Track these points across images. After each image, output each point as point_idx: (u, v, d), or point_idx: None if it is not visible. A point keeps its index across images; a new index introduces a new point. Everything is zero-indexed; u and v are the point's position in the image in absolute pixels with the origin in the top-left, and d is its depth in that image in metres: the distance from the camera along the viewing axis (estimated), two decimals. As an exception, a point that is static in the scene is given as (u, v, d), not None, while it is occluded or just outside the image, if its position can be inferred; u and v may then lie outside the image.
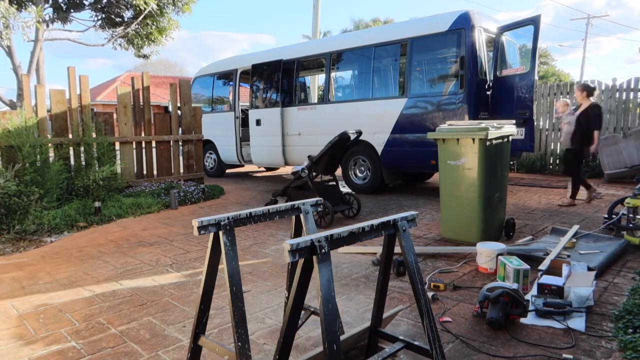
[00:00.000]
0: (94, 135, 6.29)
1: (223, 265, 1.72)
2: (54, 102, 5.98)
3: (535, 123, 6.26)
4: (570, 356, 2.08)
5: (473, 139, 3.84)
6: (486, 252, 3.26)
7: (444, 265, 3.44)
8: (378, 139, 6.67)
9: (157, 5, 11.29)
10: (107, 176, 6.03)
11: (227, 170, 10.18)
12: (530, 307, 2.50)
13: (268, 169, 11.16)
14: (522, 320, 2.44)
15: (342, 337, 1.89)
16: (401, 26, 7.06)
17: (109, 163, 6.09)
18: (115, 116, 6.79)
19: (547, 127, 9.26)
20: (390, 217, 1.71)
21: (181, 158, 7.51)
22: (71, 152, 6.08)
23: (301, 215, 2.04)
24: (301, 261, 1.42)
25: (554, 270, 3.07)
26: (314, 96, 11.43)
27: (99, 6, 11.74)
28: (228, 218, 1.75)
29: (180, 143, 7.44)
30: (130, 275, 3.37)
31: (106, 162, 6.06)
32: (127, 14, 11.90)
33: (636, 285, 2.79)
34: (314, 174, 5.14)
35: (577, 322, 2.40)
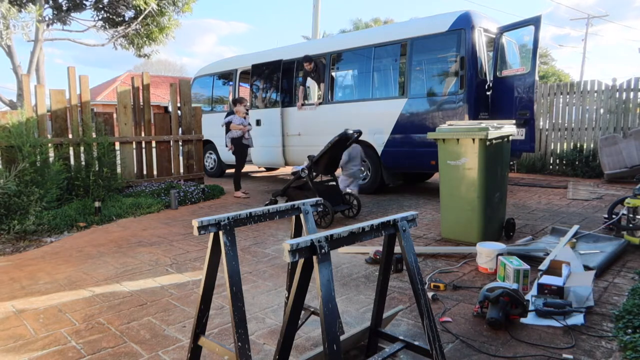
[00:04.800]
0: (94, 135, 6.29)
1: (223, 265, 1.71)
2: (54, 102, 5.98)
3: (535, 123, 6.27)
4: (571, 356, 2.08)
5: (473, 139, 3.84)
6: (486, 252, 3.26)
7: (444, 265, 3.44)
8: (378, 139, 6.67)
9: (158, 5, 11.29)
10: (107, 176, 6.03)
11: (227, 171, 10.17)
12: (530, 307, 2.50)
13: (268, 169, 11.15)
14: (522, 320, 2.44)
15: (342, 337, 1.89)
16: (401, 26, 7.06)
17: (109, 163, 6.08)
18: (115, 116, 6.79)
19: (547, 127, 9.27)
20: (390, 217, 1.70)
21: (181, 158, 7.51)
22: (71, 152, 6.09)
23: (301, 215, 2.04)
24: (301, 261, 1.42)
25: (554, 270, 3.07)
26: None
27: (100, 6, 11.75)
28: (228, 218, 1.75)
29: (180, 143, 7.44)
30: (130, 276, 3.37)
31: (106, 162, 6.06)
32: (128, 14, 11.91)
33: (636, 286, 2.79)
34: (314, 174, 5.14)
35: (576, 319, 2.40)
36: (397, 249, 3.18)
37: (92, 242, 4.42)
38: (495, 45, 6.17)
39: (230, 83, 9.41)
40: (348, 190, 5.91)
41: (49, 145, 5.71)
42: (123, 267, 3.57)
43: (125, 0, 11.29)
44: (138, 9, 11.10)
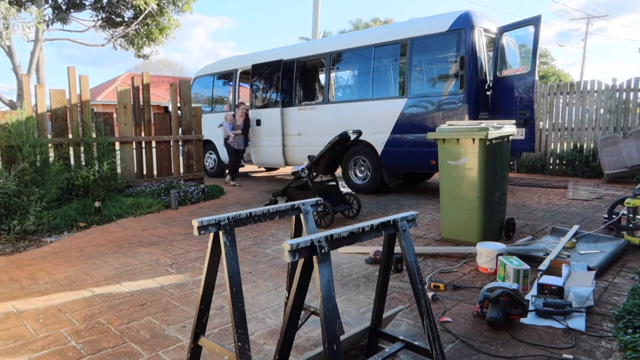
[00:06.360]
0: (94, 135, 6.29)
1: (223, 265, 1.71)
2: (54, 102, 5.98)
3: (535, 123, 6.27)
4: (571, 356, 2.08)
5: (473, 139, 3.84)
6: (486, 252, 3.26)
7: (444, 265, 3.43)
8: (378, 139, 6.66)
9: (157, 5, 11.29)
10: (107, 176, 6.03)
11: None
12: (530, 307, 2.50)
13: (268, 169, 11.15)
14: (522, 320, 2.44)
15: (342, 337, 1.89)
16: (401, 26, 7.06)
17: (109, 163, 6.09)
18: (115, 116, 6.79)
19: (547, 127, 9.27)
20: (390, 217, 1.70)
21: (181, 158, 7.51)
22: (71, 152, 6.09)
23: (301, 215, 2.04)
24: (301, 261, 1.42)
25: (554, 270, 3.07)
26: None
27: (99, 6, 11.75)
28: (228, 218, 1.75)
29: (180, 143, 7.44)
30: (130, 276, 3.37)
31: (106, 162, 6.06)
32: (128, 14, 11.92)
33: (636, 285, 2.79)
34: (314, 174, 5.14)
35: (578, 322, 2.39)
36: (397, 249, 3.17)
37: (92, 242, 4.42)
38: (495, 45, 6.16)
39: (231, 83, 9.41)
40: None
41: (49, 145, 5.71)
42: (123, 267, 3.57)
43: (125, 0, 11.29)
44: (138, 9, 11.10)
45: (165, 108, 10.49)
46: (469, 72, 5.84)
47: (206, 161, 9.83)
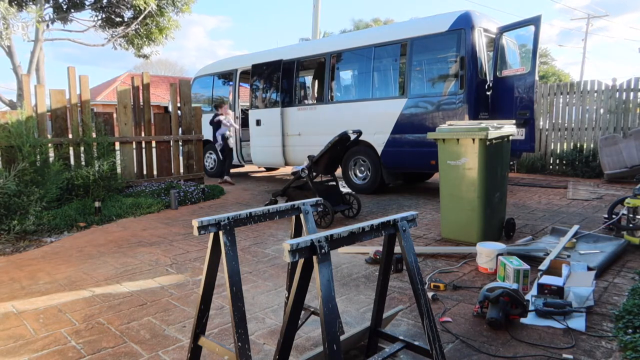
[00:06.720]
0: (94, 135, 6.29)
1: (223, 265, 1.71)
2: (54, 102, 5.98)
3: (535, 123, 6.27)
4: (571, 356, 2.08)
5: (473, 139, 3.84)
6: (486, 252, 3.26)
7: (444, 265, 3.43)
8: (378, 139, 6.67)
9: (157, 5, 11.30)
10: (107, 176, 6.03)
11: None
12: (530, 307, 2.50)
13: (268, 169, 11.15)
14: (522, 320, 2.44)
15: (342, 337, 1.89)
16: (401, 26, 7.06)
17: (109, 163, 6.09)
18: (115, 116, 6.79)
19: (547, 127, 9.27)
20: (390, 217, 1.70)
21: (181, 158, 7.51)
22: (71, 152, 6.09)
23: (301, 215, 2.04)
24: (301, 261, 1.42)
25: (554, 270, 3.07)
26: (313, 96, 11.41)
27: (99, 6, 11.75)
28: (228, 218, 1.75)
29: (180, 143, 7.44)
30: (130, 276, 3.37)
31: (106, 162, 6.06)
32: (127, 14, 11.92)
33: (636, 285, 2.79)
34: (314, 174, 5.14)
35: (578, 322, 2.39)
36: (397, 249, 3.18)
37: (92, 242, 4.42)
38: (495, 45, 6.17)
39: (230, 83, 9.41)
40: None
41: (49, 145, 5.71)
42: (123, 267, 3.57)
43: (125, 0, 11.29)
44: (137, 9, 11.11)
45: (165, 108, 10.50)
46: (469, 72, 5.84)
47: (206, 161, 9.83)
